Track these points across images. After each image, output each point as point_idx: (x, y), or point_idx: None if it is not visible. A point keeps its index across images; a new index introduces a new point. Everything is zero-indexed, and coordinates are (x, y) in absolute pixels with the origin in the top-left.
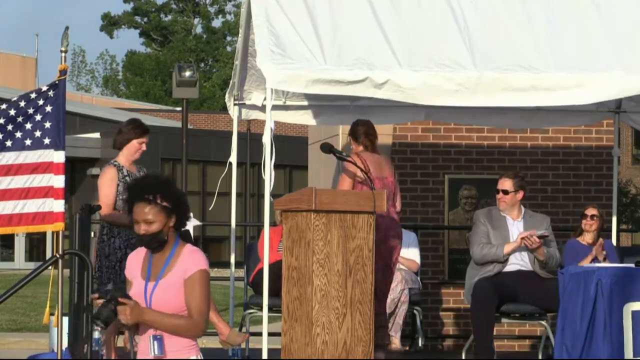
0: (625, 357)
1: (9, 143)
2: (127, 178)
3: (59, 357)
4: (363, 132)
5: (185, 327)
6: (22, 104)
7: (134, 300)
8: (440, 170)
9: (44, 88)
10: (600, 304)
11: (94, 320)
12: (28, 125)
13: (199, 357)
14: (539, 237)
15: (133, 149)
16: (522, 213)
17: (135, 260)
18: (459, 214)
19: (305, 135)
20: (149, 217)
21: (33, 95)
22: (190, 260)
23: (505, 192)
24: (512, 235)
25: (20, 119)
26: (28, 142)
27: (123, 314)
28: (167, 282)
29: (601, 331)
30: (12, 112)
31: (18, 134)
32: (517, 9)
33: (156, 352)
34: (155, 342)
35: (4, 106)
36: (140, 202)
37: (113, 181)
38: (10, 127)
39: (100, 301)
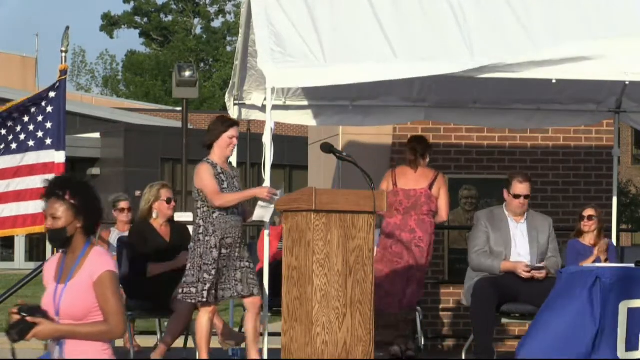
0: (618, 353)
1: (14, 146)
2: (222, 176)
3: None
4: (410, 148)
5: (105, 332)
6: (25, 107)
7: (44, 320)
8: (440, 170)
9: (45, 91)
10: (600, 303)
11: (8, 331)
12: (31, 127)
13: (111, 358)
14: (538, 269)
15: (224, 144)
16: (525, 215)
17: (50, 265)
18: (459, 214)
19: (305, 135)
20: (56, 213)
21: (35, 99)
22: (96, 262)
23: (527, 197)
24: (513, 238)
25: (25, 120)
26: (31, 143)
27: (34, 332)
28: (74, 284)
29: (603, 331)
30: (16, 115)
31: (22, 136)
32: (517, 5)
33: (57, 356)
34: (58, 347)
35: (7, 108)
36: (52, 197)
37: (209, 173)
38: (18, 129)
39: (17, 317)
